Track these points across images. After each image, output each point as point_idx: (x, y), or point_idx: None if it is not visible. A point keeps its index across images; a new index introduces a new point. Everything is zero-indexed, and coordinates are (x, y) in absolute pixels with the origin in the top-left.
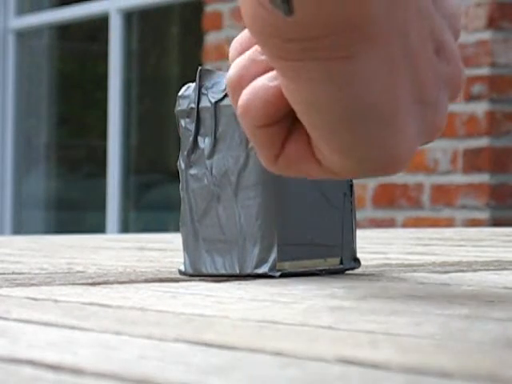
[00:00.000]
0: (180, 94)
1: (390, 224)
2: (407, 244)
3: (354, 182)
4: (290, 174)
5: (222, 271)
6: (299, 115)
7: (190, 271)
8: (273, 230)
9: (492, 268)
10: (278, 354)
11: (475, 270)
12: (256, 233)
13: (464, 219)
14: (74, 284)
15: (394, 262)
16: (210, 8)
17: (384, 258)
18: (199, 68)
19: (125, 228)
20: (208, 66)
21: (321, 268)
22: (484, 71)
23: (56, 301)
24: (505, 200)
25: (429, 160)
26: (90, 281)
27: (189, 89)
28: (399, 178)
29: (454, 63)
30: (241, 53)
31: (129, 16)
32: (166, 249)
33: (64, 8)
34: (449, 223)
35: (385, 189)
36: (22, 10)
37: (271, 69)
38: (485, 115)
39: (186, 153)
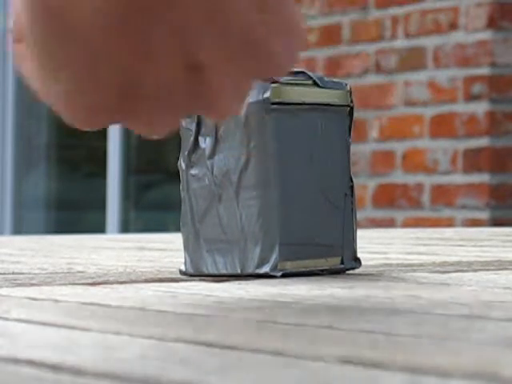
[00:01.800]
0: None
1: (389, 224)
2: (407, 244)
3: (354, 182)
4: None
5: (224, 271)
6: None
7: (191, 271)
8: (274, 229)
9: (492, 268)
10: (278, 353)
11: (475, 270)
12: (257, 233)
13: (464, 219)
14: (73, 284)
15: (394, 261)
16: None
17: (384, 258)
18: None
19: (125, 228)
20: None
21: (322, 268)
22: (484, 71)
23: (56, 301)
24: (505, 200)
25: (429, 160)
26: (89, 281)
27: None
28: (399, 178)
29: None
30: None
31: None
32: (166, 249)
33: None
34: (449, 223)
35: (385, 189)
36: None
37: None
38: (485, 115)
39: (186, 153)
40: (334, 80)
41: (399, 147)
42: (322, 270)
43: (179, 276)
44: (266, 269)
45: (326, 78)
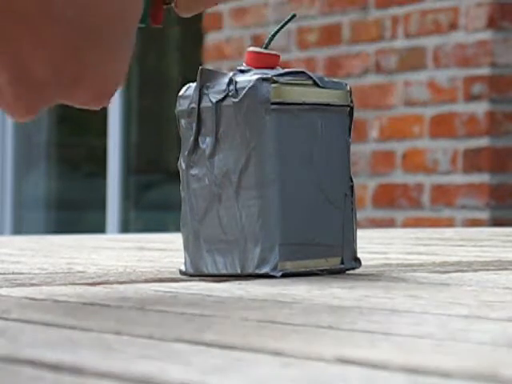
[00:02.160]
0: (180, 93)
1: (389, 224)
2: (407, 244)
3: (354, 182)
4: None
5: (224, 271)
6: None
7: (191, 271)
8: (274, 229)
9: (492, 268)
10: (277, 353)
11: (475, 270)
12: (257, 233)
13: (464, 219)
14: (73, 284)
15: (394, 262)
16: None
17: (384, 258)
18: (200, 68)
19: (125, 228)
20: (208, 66)
21: (322, 268)
22: (484, 71)
23: (56, 301)
24: (505, 200)
25: (429, 160)
26: (90, 281)
27: (189, 89)
28: (399, 177)
29: None
30: None
31: None
32: (165, 249)
33: None
34: (449, 223)
35: (385, 189)
36: None
37: None
38: (485, 115)
39: (186, 153)
40: (334, 80)
41: (399, 147)
42: (322, 270)
43: (179, 276)
44: (266, 269)
45: (326, 78)
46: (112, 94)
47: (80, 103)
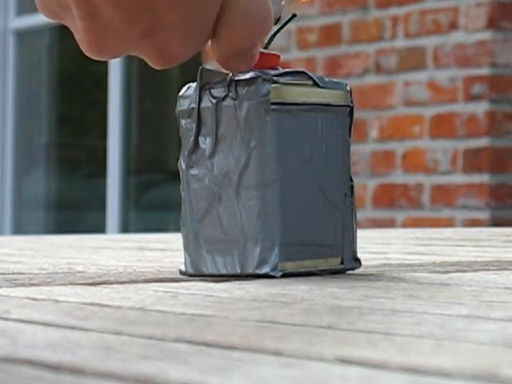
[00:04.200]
0: (181, 93)
1: (390, 224)
2: (407, 244)
3: (354, 182)
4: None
5: (223, 271)
6: None
7: (191, 271)
8: (274, 230)
9: (492, 268)
10: (278, 353)
11: (475, 270)
12: (257, 233)
13: (464, 219)
14: (73, 284)
15: (393, 262)
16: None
17: (384, 258)
18: (200, 67)
19: (125, 228)
20: (208, 66)
21: (322, 268)
22: (484, 71)
23: (56, 301)
24: (505, 200)
25: (429, 160)
26: (90, 281)
27: (189, 89)
28: (399, 177)
29: None
30: None
31: None
32: (166, 249)
33: None
34: (449, 223)
35: (385, 189)
36: (21, 10)
37: None
38: (485, 115)
39: (186, 153)
40: (334, 80)
41: (399, 147)
42: (322, 271)
43: (179, 276)
44: (266, 269)
45: (326, 78)
46: (178, 61)
47: (144, 57)
